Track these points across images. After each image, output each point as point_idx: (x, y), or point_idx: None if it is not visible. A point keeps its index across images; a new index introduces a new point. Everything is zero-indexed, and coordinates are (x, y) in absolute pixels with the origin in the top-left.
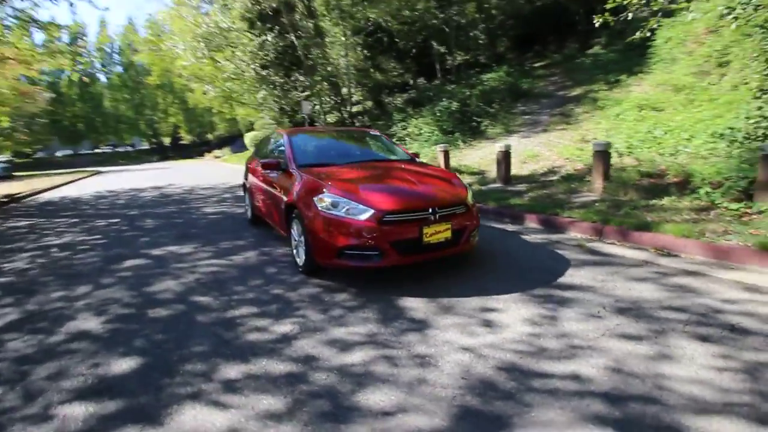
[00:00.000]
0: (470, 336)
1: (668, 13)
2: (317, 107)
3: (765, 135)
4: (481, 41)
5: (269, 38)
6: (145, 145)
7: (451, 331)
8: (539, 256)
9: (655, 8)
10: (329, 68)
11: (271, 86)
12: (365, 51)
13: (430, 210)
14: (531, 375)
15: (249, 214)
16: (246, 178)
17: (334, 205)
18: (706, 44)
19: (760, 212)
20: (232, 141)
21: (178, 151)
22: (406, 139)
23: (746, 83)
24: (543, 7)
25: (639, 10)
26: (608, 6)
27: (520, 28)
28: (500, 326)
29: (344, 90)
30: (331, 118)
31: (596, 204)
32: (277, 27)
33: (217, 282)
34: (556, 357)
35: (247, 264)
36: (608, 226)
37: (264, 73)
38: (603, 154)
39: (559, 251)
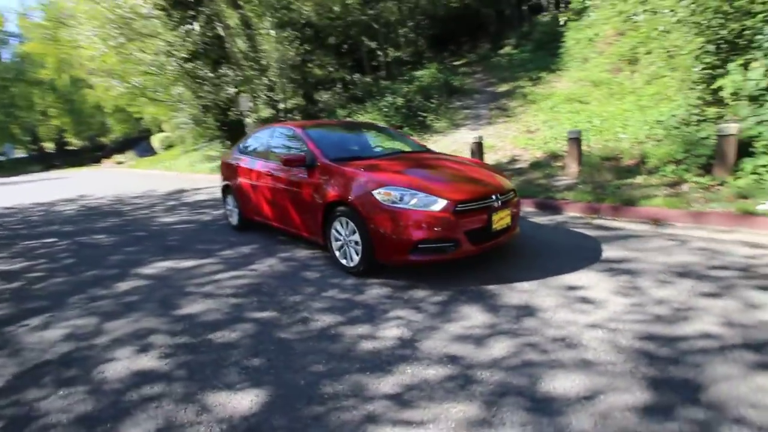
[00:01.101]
0: (583, 314)
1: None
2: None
3: (699, 121)
4: (409, 38)
5: (196, 27)
6: (22, 153)
7: (561, 312)
8: (563, 236)
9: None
10: (263, 62)
11: (197, 81)
12: (298, 46)
13: (494, 197)
14: (672, 339)
15: (235, 219)
16: (229, 179)
17: (402, 197)
18: (616, 45)
19: (722, 183)
20: (135, 144)
21: (67, 158)
22: None
23: (663, 77)
24: (457, 10)
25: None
26: None
27: (437, 28)
28: (599, 301)
29: (277, 85)
30: (264, 114)
31: (579, 186)
32: (202, 16)
33: (261, 294)
34: (675, 320)
35: (278, 272)
36: (603, 204)
37: (189, 66)
38: (576, 141)
39: (576, 230)
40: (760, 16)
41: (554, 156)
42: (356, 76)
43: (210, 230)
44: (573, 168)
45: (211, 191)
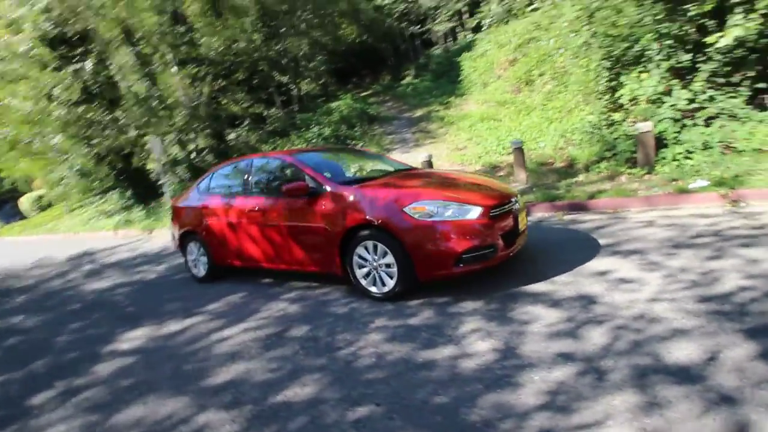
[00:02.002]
0: (635, 292)
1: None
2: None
3: (608, 124)
4: (319, 72)
5: (88, 65)
6: None
7: (616, 294)
8: (551, 233)
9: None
10: (169, 101)
11: (89, 126)
12: (211, 81)
13: (513, 199)
14: (723, 296)
15: (201, 269)
16: (190, 225)
17: (437, 210)
18: (511, 70)
19: (650, 172)
20: None
21: None
22: None
23: (559, 93)
24: (357, 45)
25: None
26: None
27: (339, 63)
28: (637, 279)
29: (185, 125)
30: (178, 156)
31: (534, 189)
32: (93, 53)
33: (299, 339)
34: (710, 282)
35: (298, 314)
36: (564, 202)
37: (80, 110)
38: (520, 150)
39: (556, 227)
40: (649, 35)
41: (495, 167)
42: (272, 110)
43: (166, 287)
44: (522, 174)
45: (133, 247)
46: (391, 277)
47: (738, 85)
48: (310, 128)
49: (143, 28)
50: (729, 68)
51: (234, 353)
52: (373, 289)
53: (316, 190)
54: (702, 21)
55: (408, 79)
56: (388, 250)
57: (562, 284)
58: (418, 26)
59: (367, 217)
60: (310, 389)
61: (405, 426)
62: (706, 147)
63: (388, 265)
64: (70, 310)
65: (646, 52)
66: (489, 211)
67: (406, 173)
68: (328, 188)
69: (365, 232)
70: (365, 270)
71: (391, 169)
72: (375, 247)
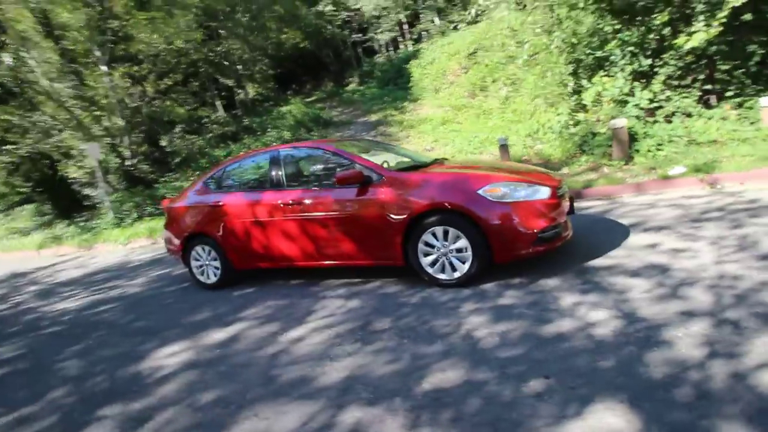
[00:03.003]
0: (697, 257)
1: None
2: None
3: (576, 123)
4: (266, 75)
5: (6, 59)
6: None
7: (683, 260)
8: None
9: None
10: (102, 102)
11: (2, 131)
12: (154, 81)
13: (561, 182)
14: None
15: (212, 275)
16: (201, 227)
17: (511, 192)
18: (464, 77)
19: (628, 163)
20: None
21: None
22: None
23: (515, 98)
24: (298, 51)
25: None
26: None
27: (279, 68)
28: (688, 249)
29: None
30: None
31: None
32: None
33: (399, 331)
34: (752, 245)
35: (368, 309)
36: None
37: None
38: (505, 146)
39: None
40: (613, 43)
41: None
42: (216, 114)
43: (167, 299)
44: None
45: (79, 263)
46: (463, 262)
47: (689, 86)
48: (267, 132)
49: (66, 20)
50: (681, 72)
51: (325, 353)
52: (442, 276)
53: (370, 178)
54: (661, 30)
55: (352, 86)
56: (461, 234)
57: (623, 258)
58: (360, 35)
59: (439, 201)
60: (454, 374)
61: (592, 391)
62: (671, 140)
63: (459, 250)
64: (51, 333)
65: (610, 58)
66: (556, 192)
67: (447, 162)
68: (386, 175)
69: (434, 218)
70: (432, 257)
71: (423, 159)
72: (445, 233)
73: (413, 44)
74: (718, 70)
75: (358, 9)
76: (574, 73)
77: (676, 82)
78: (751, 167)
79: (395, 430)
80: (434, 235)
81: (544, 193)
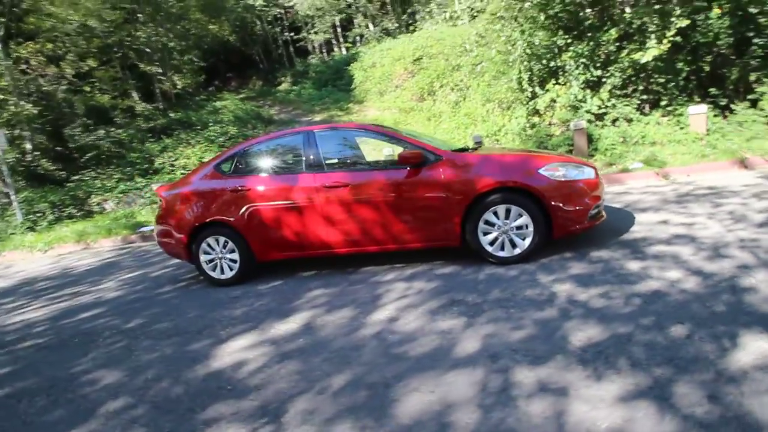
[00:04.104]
0: (715, 228)
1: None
2: None
3: (531, 126)
4: (194, 67)
5: None
6: None
7: (703, 231)
8: None
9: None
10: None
11: None
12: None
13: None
14: None
15: (227, 269)
16: (217, 214)
17: (567, 171)
18: (412, 81)
19: (588, 159)
20: None
21: None
22: (181, 171)
23: (464, 102)
24: (223, 46)
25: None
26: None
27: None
28: (705, 223)
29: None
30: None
31: None
32: None
33: (498, 303)
34: (761, 217)
35: (441, 288)
36: None
37: None
38: (480, 143)
39: None
40: (568, 54)
41: None
42: (144, 106)
43: (175, 299)
44: None
45: (5, 274)
46: (523, 239)
47: (630, 96)
48: (209, 126)
49: None
50: (623, 83)
51: (436, 327)
52: (502, 253)
53: (427, 158)
54: (609, 45)
55: (285, 86)
56: (523, 212)
57: (647, 232)
58: (293, 34)
59: (505, 180)
60: (593, 331)
61: (731, 329)
62: (624, 140)
63: (519, 228)
64: (35, 346)
65: (565, 68)
66: (598, 172)
67: (480, 147)
68: (444, 156)
69: (495, 197)
70: (492, 236)
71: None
72: (507, 212)
73: (348, 48)
74: (653, 83)
75: (292, 6)
76: (530, 81)
77: (619, 92)
78: (691, 162)
79: (582, 381)
80: (495, 213)
81: (590, 173)
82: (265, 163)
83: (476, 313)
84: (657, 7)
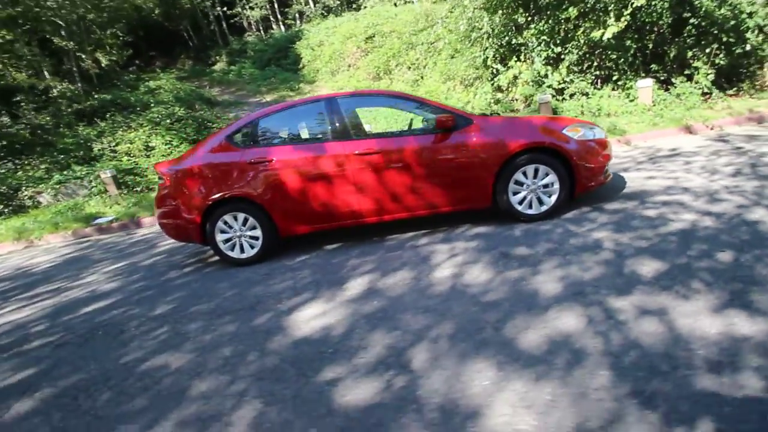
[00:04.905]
0: (693, 182)
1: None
2: None
3: (496, 101)
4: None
5: None
6: None
7: (688, 182)
8: None
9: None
10: None
11: None
12: None
13: None
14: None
15: (249, 248)
16: (233, 191)
17: (586, 132)
18: (366, 59)
19: None
20: None
21: None
22: (126, 157)
23: (422, 80)
24: (144, 21)
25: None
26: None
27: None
28: (687, 178)
29: None
30: None
31: None
32: None
33: (560, 254)
34: (730, 168)
35: (485, 247)
36: None
37: None
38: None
39: None
40: (531, 32)
41: None
42: (66, 86)
43: (195, 282)
44: None
45: None
46: (549, 196)
47: (585, 72)
48: (151, 107)
49: None
50: (579, 59)
51: (506, 279)
52: (531, 211)
53: (458, 123)
54: (567, 23)
55: (221, 65)
56: (550, 171)
57: (643, 187)
58: (225, 8)
59: (536, 140)
60: (656, 264)
61: None
62: (582, 113)
63: (546, 186)
64: (50, 345)
65: (528, 45)
66: (605, 133)
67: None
68: (475, 120)
69: (524, 157)
70: (521, 195)
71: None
72: (535, 171)
73: (290, 25)
74: (606, 59)
75: None
76: (494, 59)
77: (576, 68)
78: (645, 130)
79: (673, 302)
80: (524, 173)
81: (601, 133)
82: (286, 132)
83: (535, 262)
84: None
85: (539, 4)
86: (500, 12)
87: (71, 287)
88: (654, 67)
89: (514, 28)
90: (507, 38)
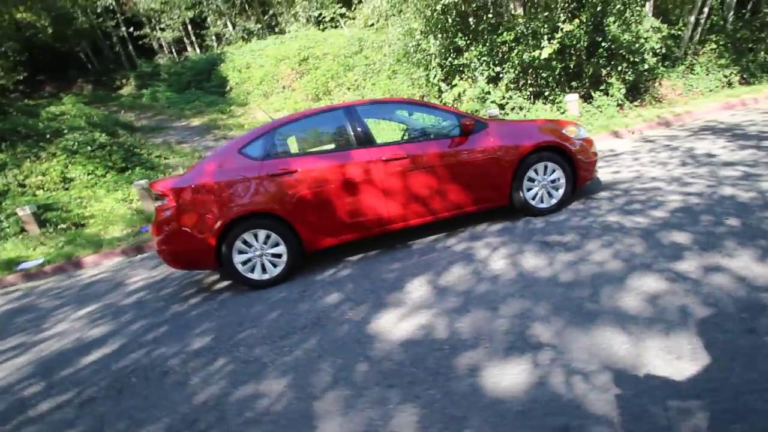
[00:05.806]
0: (664, 169)
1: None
2: None
3: None
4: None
5: None
6: None
7: (656, 171)
8: None
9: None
10: None
11: None
12: None
13: None
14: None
15: (273, 267)
16: (253, 208)
17: (579, 131)
18: (303, 81)
19: None
20: None
21: None
22: (41, 191)
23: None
24: (26, 40)
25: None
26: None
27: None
28: (665, 167)
29: None
30: None
31: None
32: None
33: (593, 238)
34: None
35: (518, 240)
36: None
37: None
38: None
39: None
40: (473, 53)
41: None
42: None
43: (213, 310)
44: None
45: None
46: (557, 190)
47: (520, 89)
48: (64, 134)
49: None
50: (515, 78)
51: (563, 261)
52: (543, 205)
53: (473, 127)
54: (503, 46)
55: (128, 89)
56: (557, 168)
57: (615, 179)
58: (132, 29)
59: (544, 141)
60: (686, 235)
61: (766, 210)
62: None
63: (553, 181)
64: (115, 390)
65: (471, 65)
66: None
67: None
68: (489, 123)
69: (534, 156)
70: (533, 191)
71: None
72: (545, 168)
73: (209, 48)
74: (537, 78)
75: None
76: (438, 78)
77: (513, 85)
78: (594, 134)
79: (727, 260)
80: (535, 170)
81: (585, 132)
82: (306, 142)
83: (578, 246)
84: (545, 14)
85: (477, 29)
86: (440, 35)
87: (41, 340)
88: (575, 84)
89: (452, 51)
90: (449, 59)
